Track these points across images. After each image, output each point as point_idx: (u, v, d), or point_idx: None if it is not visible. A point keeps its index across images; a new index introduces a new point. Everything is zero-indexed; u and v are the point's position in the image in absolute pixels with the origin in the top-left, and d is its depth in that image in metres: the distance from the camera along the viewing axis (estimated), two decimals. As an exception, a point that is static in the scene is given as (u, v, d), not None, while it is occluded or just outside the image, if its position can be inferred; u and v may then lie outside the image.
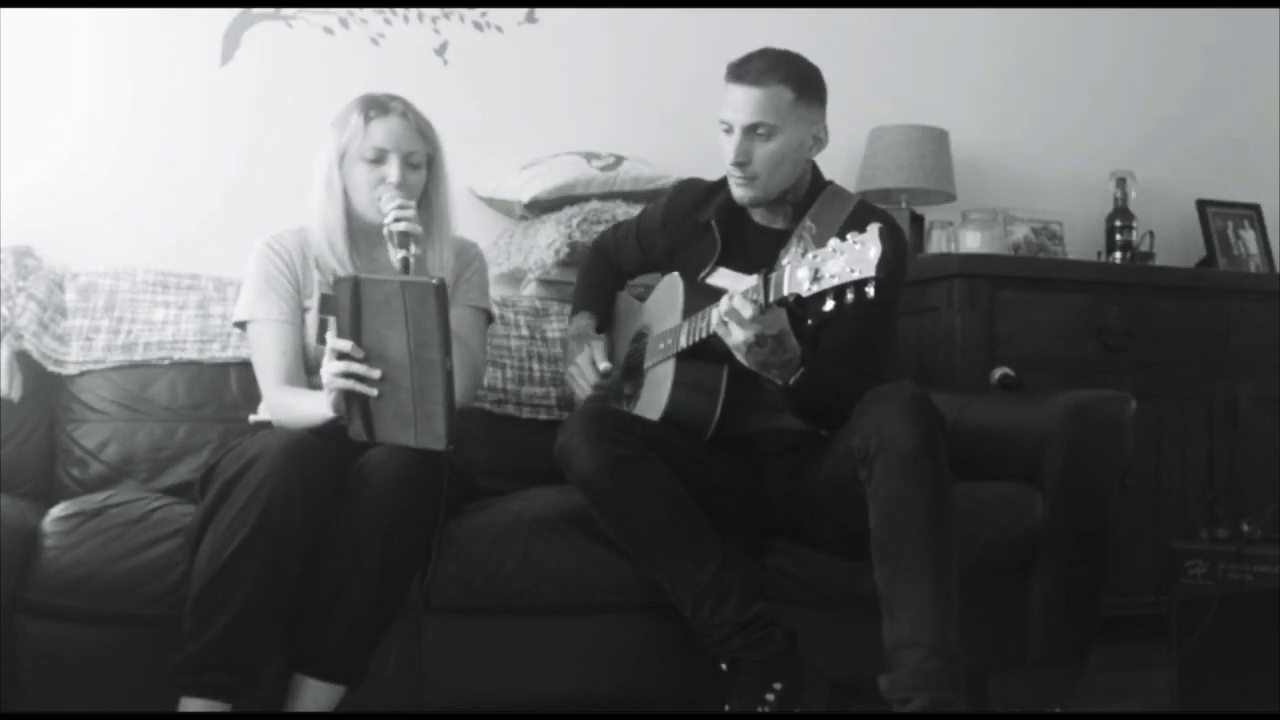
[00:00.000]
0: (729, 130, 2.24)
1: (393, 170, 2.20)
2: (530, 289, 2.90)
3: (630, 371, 2.44)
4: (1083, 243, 3.46)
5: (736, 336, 1.96)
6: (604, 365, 2.39)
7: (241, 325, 2.28)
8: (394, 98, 2.26)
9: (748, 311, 1.93)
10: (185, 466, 2.46)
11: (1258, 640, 2.31)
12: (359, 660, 1.95)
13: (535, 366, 2.76)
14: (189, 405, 2.54)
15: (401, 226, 2.11)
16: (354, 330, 1.92)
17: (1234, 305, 3.18)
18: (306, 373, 2.21)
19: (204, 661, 1.85)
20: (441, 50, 3.09)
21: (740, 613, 2.04)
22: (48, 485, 2.45)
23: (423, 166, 2.25)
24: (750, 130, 2.22)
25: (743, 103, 2.22)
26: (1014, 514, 2.32)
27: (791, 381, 2.04)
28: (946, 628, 1.91)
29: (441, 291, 1.81)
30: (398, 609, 1.96)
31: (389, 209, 2.14)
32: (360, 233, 2.27)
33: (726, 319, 1.96)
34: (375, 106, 2.23)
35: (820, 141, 2.30)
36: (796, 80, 2.23)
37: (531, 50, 3.16)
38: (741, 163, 2.24)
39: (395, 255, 2.10)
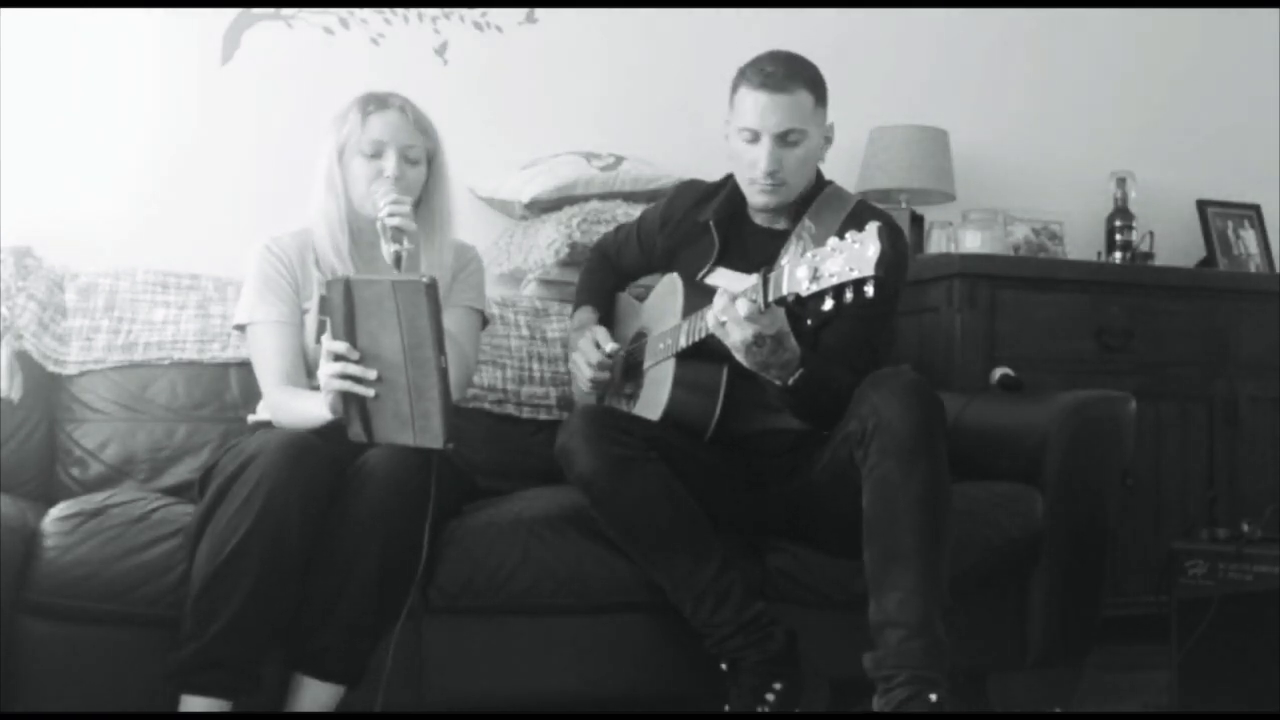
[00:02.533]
0: (753, 139, 2.22)
1: (389, 163, 2.20)
2: (530, 289, 2.90)
3: (630, 371, 2.44)
4: (1083, 243, 3.46)
5: (735, 336, 1.96)
6: (610, 346, 2.39)
7: (241, 328, 2.28)
8: (393, 94, 2.26)
9: (745, 311, 1.93)
10: (185, 466, 2.46)
11: (1258, 640, 2.31)
12: (359, 660, 1.95)
13: (535, 366, 2.76)
14: (189, 405, 2.54)
15: (395, 221, 2.10)
16: (348, 332, 1.92)
17: (1234, 305, 3.18)
18: (306, 374, 2.21)
19: (204, 660, 1.85)
20: (441, 50, 3.09)
21: (740, 613, 2.04)
22: (48, 485, 2.45)
23: (421, 163, 2.25)
24: (782, 138, 2.21)
25: (772, 110, 2.20)
26: (1014, 514, 2.32)
27: (791, 382, 2.04)
28: (932, 610, 1.91)
29: (433, 290, 1.81)
30: (397, 609, 1.96)
31: (384, 203, 2.13)
32: (360, 230, 2.27)
33: (724, 319, 1.96)
34: (374, 102, 2.24)
35: (829, 141, 2.32)
36: (813, 84, 2.24)
37: (531, 50, 3.15)
38: (774, 170, 2.23)
39: (387, 249, 2.09)
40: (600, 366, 2.40)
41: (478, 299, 2.38)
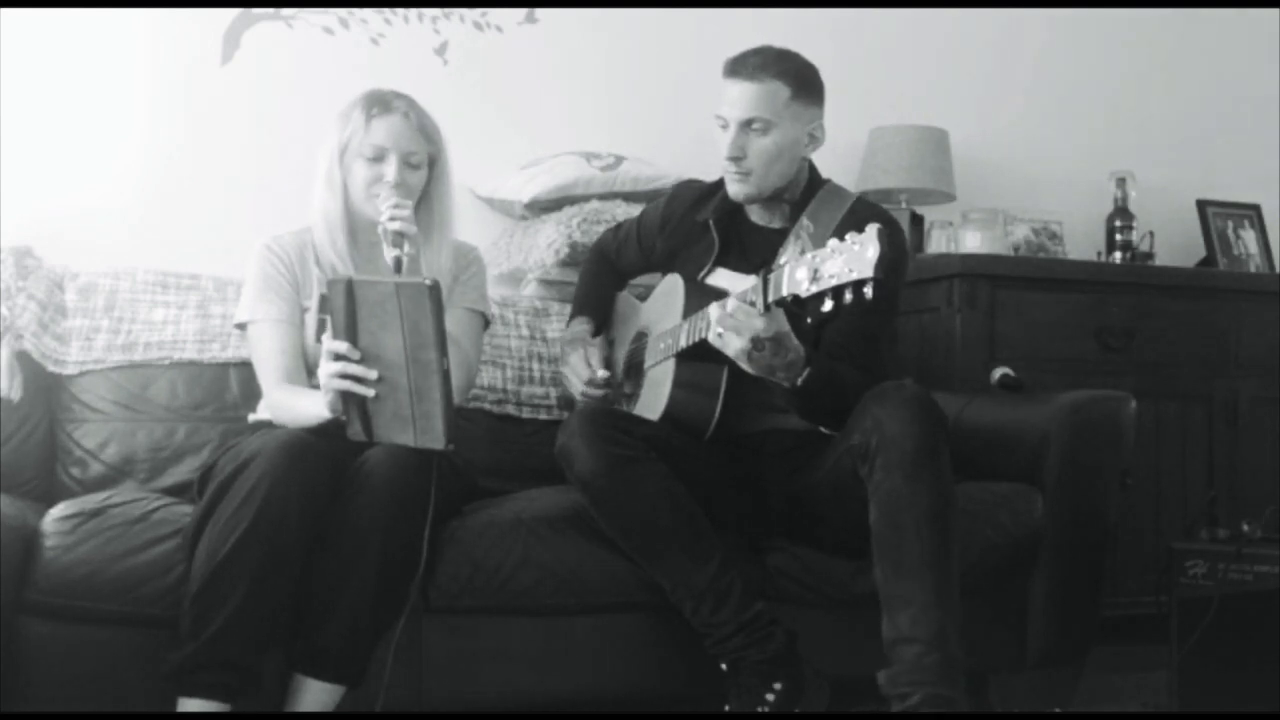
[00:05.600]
0: (724, 125, 2.25)
1: (390, 169, 2.20)
2: (530, 289, 2.90)
3: (630, 371, 2.44)
4: (1083, 243, 3.46)
5: (733, 345, 1.96)
6: (602, 373, 2.39)
7: (242, 326, 2.28)
8: (399, 95, 2.26)
9: (730, 307, 1.94)
10: (185, 466, 2.46)
11: (1258, 640, 2.30)
12: (359, 660, 1.95)
13: (535, 366, 2.76)
14: (189, 405, 2.54)
15: (396, 225, 2.11)
16: (349, 332, 1.92)
17: (1234, 305, 3.17)
18: (307, 373, 2.21)
19: (202, 661, 1.85)
20: (441, 50, 3.09)
21: (740, 612, 2.04)
22: (48, 485, 2.45)
23: (423, 167, 2.25)
24: (745, 125, 2.23)
25: (738, 98, 2.23)
26: (1014, 514, 2.32)
27: (799, 382, 2.04)
28: (946, 625, 1.91)
29: (436, 292, 1.81)
30: (397, 609, 1.96)
31: (385, 207, 2.14)
32: (360, 229, 2.27)
33: (720, 329, 1.96)
34: (378, 104, 2.23)
35: (816, 139, 2.30)
36: (793, 77, 2.23)
37: (531, 50, 3.16)
38: (736, 157, 2.25)
39: (388, 254, 2.10)
40: (591, 384, 2.40)
41: (479, 300, 2.38)
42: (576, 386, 2.43)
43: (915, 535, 1.94)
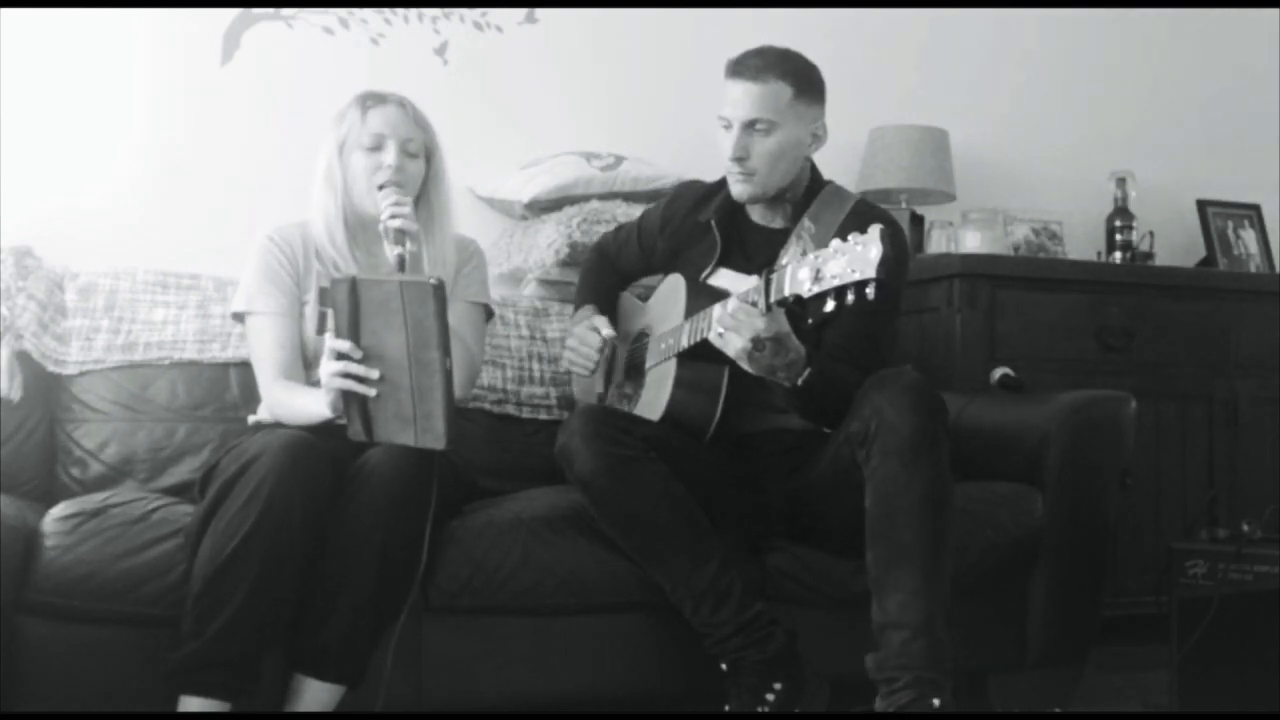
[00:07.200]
0: (728, 126, 2.25)
1: (389, 155, 2.20)
2: (530, 289, 2.90)
3: (631, 371, 2.44)
4: (1083, 243, 3.46)
5: (734, 345, 1.97)
6: (607, 331, 2.38)
7: (239, 317, 2.28)
8: (391, 92, 2.28)
9: (732, 307, 1.93)
10: (185, 466, 2.46)
11: (1258, 640, 2.31)
12: (359, 660, 1.95)
13: (535, 366, 2.76)
14: (189, 405, 2.54)
15: (397, 223, 2.12)
16: (352, 330, 1.91)
17: (1234, 305, 3.18)
18: (305, 366, 2.21)
19: (203, 660, 1.86)
20: (441, 50, 3.09)
21: (740, 613, 2.04)
22: (48, 485, 2.45)
23: (420, 157, 2.26)
24: (749, 126, 2.23)
25: (741, 98, 2.23)
26: (1014, 514, 2.32)
27: (800, 383, 2.04)
28: (935, 612, 1.91)
29: (440, 292, 1.81)
30: (397, 609, 1.96)
31: (385, 205, 2.14)
32: (360, 227, 2.27)
33: (722, 329, 1.97)
34: (373, 98, 2.26)
35: (819, 139, 2.31)
36: (796, 77, 2.23)
37: (531, 50, 3.16)
38: (740, 158, 2.24)
39: (391, 252, 2.10)
40: (596, 348, 2.37)
41: (481, 293, 2.38)
42: (587, 355, 2.38)
43: (909, 521, 1.94)
